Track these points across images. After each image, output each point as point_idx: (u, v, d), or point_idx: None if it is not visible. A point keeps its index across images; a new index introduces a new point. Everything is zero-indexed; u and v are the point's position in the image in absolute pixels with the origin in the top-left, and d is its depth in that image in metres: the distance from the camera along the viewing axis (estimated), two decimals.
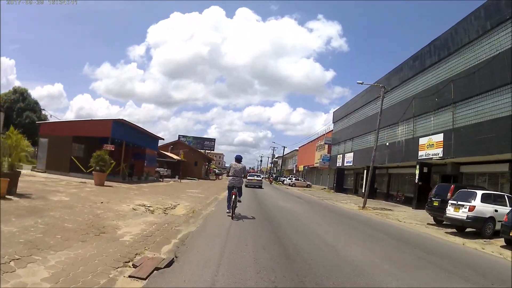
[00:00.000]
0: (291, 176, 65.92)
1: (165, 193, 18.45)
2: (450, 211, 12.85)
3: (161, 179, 31.21)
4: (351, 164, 38.57)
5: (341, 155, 42.36)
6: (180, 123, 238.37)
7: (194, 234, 7.91)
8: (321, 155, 53.21)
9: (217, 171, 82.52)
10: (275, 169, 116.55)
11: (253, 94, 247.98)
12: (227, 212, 11.26)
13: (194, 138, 77.77)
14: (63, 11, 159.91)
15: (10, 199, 9.34)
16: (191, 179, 42.39)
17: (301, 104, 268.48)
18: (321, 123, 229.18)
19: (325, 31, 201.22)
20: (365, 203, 21.70)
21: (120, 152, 25.22)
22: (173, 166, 45.79)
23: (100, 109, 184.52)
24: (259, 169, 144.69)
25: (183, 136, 76.04)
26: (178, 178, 38.27)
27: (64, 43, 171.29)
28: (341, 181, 44.44)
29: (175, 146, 47.64)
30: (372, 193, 33.76)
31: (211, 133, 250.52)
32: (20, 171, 10.85)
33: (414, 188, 25.86)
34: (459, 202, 12.63)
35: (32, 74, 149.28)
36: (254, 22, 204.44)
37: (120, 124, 24.70)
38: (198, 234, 7.94)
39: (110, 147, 22.29)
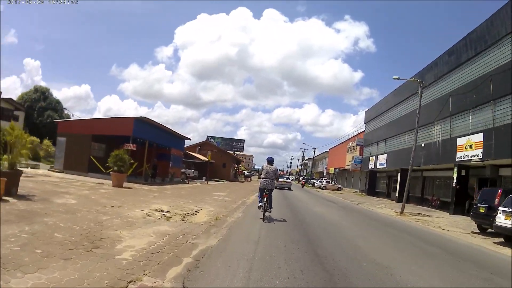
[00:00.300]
0: (322, 179, 64.49)
1: (189, 196, 17.21)
2: (501, 219, 11.21)
3: (187, 181, 30.88)
4: (384, 166, 37.15)
5: (374, 157, 40.94)
6: (209, 124, 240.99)
7: (213, 250, 6.46)
8: (352, 157, 51.78)
9: (246, 172, 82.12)
10: (305, 171, 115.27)
11: (282, 95, 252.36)
12: (259, 207, 11.52)
13: (223, 139, 77.65)
14: (89, 11, 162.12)
15: (6, 200, 8.54)
16: (219, 181, 42.04)
17: (330, 106, 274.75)
18: (349, 124, 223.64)
19: (353, 32, 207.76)
20: (403, 208, 20.47)
21: (142, 152, 25.05)
22: (200, 168, 45.64)
23: (128, 110, 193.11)
24: (288, 171, 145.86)
25: (212, 137, 75.98)
26: (206, 180, 37.98)
27: (91, 44, 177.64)
28: (373, 184, 42.99)
29: (202, 147, 47.47)
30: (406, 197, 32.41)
31: (240, 134, 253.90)
32: (21, 170, 10.25)
33: (451, 192, 24.41)
34: None
35: (58, 75, 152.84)
36: (282, 23, 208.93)
37: (142, 123, 24.23)
38: (218, 251, 6.42)
39: (131, 146, 21.96)
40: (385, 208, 23.76)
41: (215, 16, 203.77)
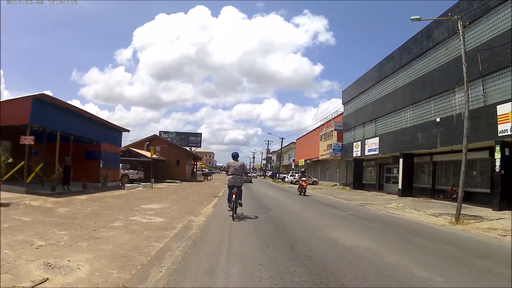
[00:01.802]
0: (293, 172, 58.09)
1: (72, 226, 8.20)
2: None
3: (123, 186, 22.99)
4: (376, 152, 30.82)
5: (359, 143, 34.64)
6: (170, 124, 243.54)
7: None
8: (329, 145, 45.46)
9: (206, 170, 74.48)
10: (269, 165, 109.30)
11: (242, 91, 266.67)
12: (229, 210, 11.37)
13: (178, 133, 69.69)
14: (49, 18, 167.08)
15: None
16: (171, 182, 34.47)
17: (290, 100, 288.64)
18: (311, 117, 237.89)
19: (312, 26, 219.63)
20: (459, 211, 12.84)
21: (52, 149, 17.20)
22: (149, 167, 37.95)
23: None
24: (251, 166, 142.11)
25: (165, 132, 67.88)
26: (151, 182, 30.57)
27: (51, 50, 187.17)
28: (359, 175, 36.71)
29: (152, 142, 39.41)
30: (408, 189, 26.30)
31: (201, 132, 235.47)
32: None
33: (491, 181, 18.23)
34: None
35: (21, 83, 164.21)
36: (240, 20, 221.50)
37: (46, 105, 16.49)
38: None
39: (28, 139, 14.56)
40: (409, 210, 17.00)
41: (174, 15, 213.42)
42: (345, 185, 42.12)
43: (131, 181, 29.47)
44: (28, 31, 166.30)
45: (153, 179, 31.41)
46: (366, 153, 32.85)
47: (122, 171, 29.50)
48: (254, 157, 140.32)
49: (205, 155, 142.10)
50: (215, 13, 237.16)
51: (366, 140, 33.04)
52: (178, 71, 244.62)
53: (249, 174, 53.29)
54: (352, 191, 32.56)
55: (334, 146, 40.81)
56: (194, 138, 69.20)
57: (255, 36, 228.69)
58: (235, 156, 11.80)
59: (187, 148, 58.49)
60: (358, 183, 35.97)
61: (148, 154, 36.68)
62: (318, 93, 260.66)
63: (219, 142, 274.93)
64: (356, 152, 35.22)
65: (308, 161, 60.58)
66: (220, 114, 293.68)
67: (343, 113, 41.98)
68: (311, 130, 63.20)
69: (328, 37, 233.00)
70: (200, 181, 45.87)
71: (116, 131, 25.34)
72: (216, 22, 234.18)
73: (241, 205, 11.48)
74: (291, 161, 79.43)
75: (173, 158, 40.61)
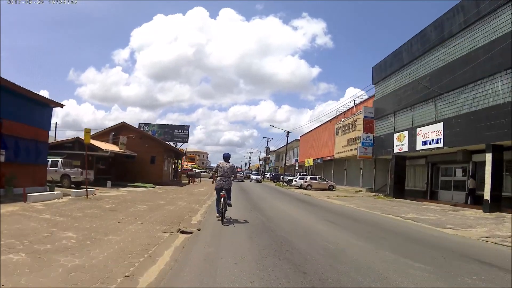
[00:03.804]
0: (303, 174, 48.94)
1: None
2: None
3: (24, 199, 13.62)
4: (439, 145, 21.72)
5: (405, 133, 25.64)
6: None
7: None
8: (350, 140, 36.45)
9: (197, 170, 64.99)
10: (266, 166, 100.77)
11: (239, 93, 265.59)
12: (217, 216, 10.82)
13: (160, 126, 59.58)
14: (46, 18, 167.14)
15: None
16: (138, 186, 25.40)
17: (287, 102, 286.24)
18: (306, 119, 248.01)
19: (310, 29, 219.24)
20: None
21: None
22: (113, 164, 28.97)
23: (86, 114, 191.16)
24: (247, 167, 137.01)
25: (145, 124, 57.98)
26: (112, 185, 21.93)
27: (48, 50, 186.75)
28: (402, 179, 27.62)
29: (119, 132, 30.12)
30: (495, 200, 17.64)
31: (196, 134, 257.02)
32: None
33: None
34: None
35: (18, 82, 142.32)
36: (239, 22, 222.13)
37: None
38: None
39: None
40: None
41: (172, 16, 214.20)
42: (373, 190, 33.23)
43: (76, 184, 20.62)
44: (24, 30, 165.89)
45: (110, 182, 22.73)
46: (419, 147, 23.76)
47: (62, 170, 20.62)
48: (250, 157, 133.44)
49: (198, 155, 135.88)
50: (213, 15, 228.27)
51: (418, 129, 23.95)
52: (175, 72, 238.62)
53: (240, 174, 62.85)
54: (394, 201, 23.54)
55: (364, 140, 31.56)
56: (180, 131, 58.45)
57: (253, 38, 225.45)
58: (226, 157, 11.22)
59: (171, 144, 49.10)
60: (399, 190, 26.92)
61: (114, 147, 27.84)
62: (315, 95, 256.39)
63: (215, 143, 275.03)
64: (399, 146, 26.16)
65: (319, 160, 51.51)
66: (216, 115, 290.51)
67: (373, 96, 33.00)
68: (324, 122, 54.36)
69: (326, 40, 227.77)
70: (184, 184, 36.43)
71: (39, 105, 16.05)
72: (214, 23, 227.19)
73: (230, 205, 10.87)
74: (294, 161, 70.27)
75: (146, 154, 31.25)
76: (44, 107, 16.50)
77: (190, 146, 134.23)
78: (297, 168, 65.71)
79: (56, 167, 20.96)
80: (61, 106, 17.49)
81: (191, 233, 8.17)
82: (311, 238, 8.32)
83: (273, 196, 24.51)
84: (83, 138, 16.45)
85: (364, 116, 32.00)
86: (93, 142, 25.96)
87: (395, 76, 28.47)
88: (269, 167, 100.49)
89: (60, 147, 24.61)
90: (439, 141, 21.63)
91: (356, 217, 13.95)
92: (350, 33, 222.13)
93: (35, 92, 15.55)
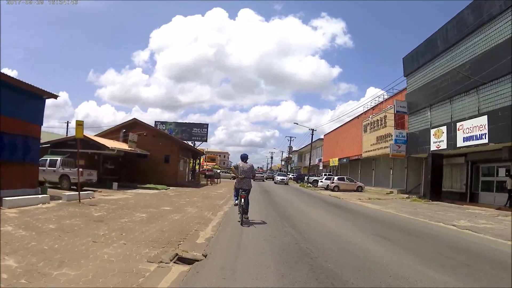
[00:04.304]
0: (329, 174, 46.57)
1: None
2: None
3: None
4: (483, 140, 19.19)
5: (443, 128, 23.17)
6: None
7: None
8: (380, 137, 34.11)
9: (218, 171, 63.19)
10: (288, 166, 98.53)
11: (259, 94, 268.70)
12: (235, 204, 11.38)
13: (178, 124, 57.97)
14: (65, 17, 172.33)
15: None
16: (149, 188, 23.66)
17: (308, 102, 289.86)
18: (327, 119, 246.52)
19: (330, 29, 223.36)
20: None
21: None
22: (123, 163, 27.56)
23: (106, 115, 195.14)
24: (269, 168, 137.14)
25: (161, 123, 56.51)
26: (119, 187, 20.48)
27: (67, 51, 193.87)
28: (439, 179, 25.11)
29: (130, 130, 28.42)
30: None
31: (218, 134, 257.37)
32: None
33: None
34: None
35: (36, 84, 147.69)
36: (258, 22, 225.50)
37: None
38: None
39: None
40: None
41: (191, 17, 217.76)
42: (405, 192, 30.84)
43: (80, 185, 19.15)
44: (44, 30, 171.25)
45: (116, 183, 21.15)
46: (460, 143, 21.31)
47: (60, 170, 19.08)
48: (272, 158, 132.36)
49: (220, 155, 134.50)
50: (233, 16, 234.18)
51: (458, 124, 21.50)
52: (196, 73, 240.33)
53: (261, 175, 64.13)
54: (433, 205, 21.12)
55: (396, 136, 29.08)
56: (199, 130, 56.55)
57: (272, 38, 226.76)
58: (244, 158, 11.45)
59: (188, 143, 47.50)
60: (435, 191, 24.46)
61: (125, 146, 26.35)
62: (336, 96, 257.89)
63: (236, 144, 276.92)
64: (437, 143, 23.66)
65: (345, 160, 49.09)
66: (238, 116, 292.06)
67: (405, 89, 30.56)
68: (350, 120, 52.01)
69: (345, 39, 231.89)
70: (202, 185, 34.65)
71: (28, 96, 14.34)
72: (234, 24, 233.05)
73: (247, 217, 10.81)
74: (317, 161, 67.77)
75: (161, 153, 29.68)
76: (35, 99, 14.76)
77: (211, 147, 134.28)
78: (321, 168, 63.44)
79: (55, 167, 19.40)
80: (55, 97, 15.63)
81: (193, 262, 5.87)
82: (371, 270, 5.78)
83: (300, 200, 22.24)
84: (88, 136, 15.02)
85: (396, 111, 29.44)
86: (99, 139, 24.51)
87: (429, 66, 25.97)
88: (291, 167, 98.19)
89: (63, 144, 23.08)
90: (484, 137, 19.11)
91: (406, 228, 11.58)
92: (370, 32, 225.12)
93: (24, 81, 13.83)
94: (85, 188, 18.67)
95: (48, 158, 19.67)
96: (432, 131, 24.36)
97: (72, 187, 18.69)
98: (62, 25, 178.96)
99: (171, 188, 25.78)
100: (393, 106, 30.94)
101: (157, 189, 23.53)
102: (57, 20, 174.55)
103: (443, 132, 23.06)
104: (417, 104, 27.45)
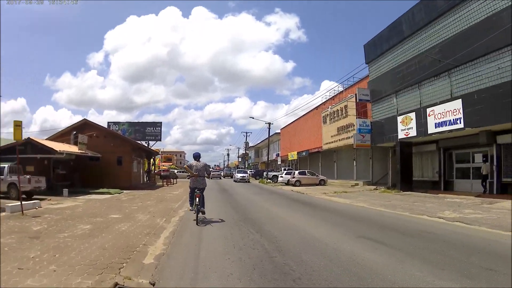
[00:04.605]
0: (288, 169, 45.67)
1: None
2: None
3: None
4: (459, 125, 18.58)
5: (412, 115, 22.50)
6: None
7: None
8: (341, 128, 33.41)
9: (175, 171, 60.95)
10: (245, 163, 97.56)
11: (214, 91, 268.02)
12: (190, 209, 11.65)
13: (131, 123, 55.43)
14: (21, 24, 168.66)
15: None
16: (101, 193, 21.52)
17: (262, 98, 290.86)
18: (283, 113, 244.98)
19: (283, 24, 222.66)
20: None
21: None
22: (73, 168, 25.35)
23: (63, 119, 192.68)
24: (225, 165, 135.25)
25: (114, 123, 53.85)
26: (71, 193, 18.63)
27: (23, 56, 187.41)
28: (409, 168, 24.52)
29: (81, 131, 25.94)
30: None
31: (173, 134, 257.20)
32: None
33: None
34: None
35: None
36: (211, 20, 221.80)
37: None
38: None
39: None
40: None
41: (144, 17, 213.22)
42: (371, 183, 30.35)
43: (27, 194, 17.10)
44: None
45: (66, 190, 19.07)
46: (432, 130, 20.68)
47: (8, 178, 17.24)
48: (228, 155, 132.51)
49: (176, 155, 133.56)
50: (186, 14, 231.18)
51: (429, 109, 20.87)
52: (150, 73, 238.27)
53: (217, 173, 64.82)
54: (407, 196, 20.53)
55: (360, 126, 28.40)
56: (152, 129, 54.24)
57: (226, 36, 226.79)
58: (196, 156, 11.62)
59: (142, 143, 45.11)
60: (406, 181, 23.93)
61: (76, 149, 24.18)
62: (290, 90, 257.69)
63: (192, 143, 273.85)
64: (405, 131, 23.06)
65: (304, 153, 48.34)
66: (192, 115, 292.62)
67: (367, 76, 29.95)
68: (302, 114, 51.49)
69: (299, 34, 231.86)
70: (158, 186, 32.59)
71: None
72: (187, 22, 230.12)
73: (203, 213, 10.88)
74: (275, 155, 66.92)
75: (113, 155, 27.44)
76: None
77: (167, 147, 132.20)
78: (279, 163, 62.73)
79: (2, 175, 17.18)
80: None
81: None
82: None
83: (263, 198, 20.94)
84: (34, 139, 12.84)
85: (359, 99, 28.76)
86: (47, 142, 22.29)
87: (394, 51, 25.33)
88: (249, 164, 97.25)
89: (11, 151, 20.70)
90: (459, 121, 18.51)
91: (391, 225, 10.50)
92: (324, 26, 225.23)
93: None
94: (35, 197, 16.64)
95: (4, 166, 17.44)
96: (399, 119, 23.74)
97: (23, 196, 16.59)
98: (16, 31, 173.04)
99: (124, 191, 23.75)
100: (354, 95, 30.39)
101: (109, 193, 21.51)
102: (11, 26, 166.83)
103: (412, 119, 22.45)
104: (381, 91, 26.83)
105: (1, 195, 15.61)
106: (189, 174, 11.34)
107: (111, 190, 22.28)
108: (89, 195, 20.03)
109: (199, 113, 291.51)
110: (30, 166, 19.99)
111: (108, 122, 54.76)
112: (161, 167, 59.41)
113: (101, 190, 22.37)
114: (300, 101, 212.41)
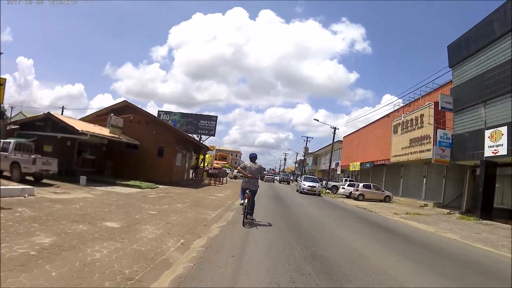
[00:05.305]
0: (349, 180, 42.45)
1: None
2: None
3: None
4: None
5: (503, 129, 18.66)
6: None
7: None
8: (414, 139, 30.05)
9: (228, 170, 59.33)
10: (302, 169, 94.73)
11: (275, 95, 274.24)
12: (241, 203, 10.99)
13: (183, 115, 54.09)
14: (84, 10, 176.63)
15: None
16: (131, 186, 19.58)
17: (323, 106, 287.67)
18: (342, 123, 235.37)
19: (349, 34, 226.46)
20: None
21: None
22: (105, 154, 24.46)
23: None
24: (281, 169, 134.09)
25: (165, 113, 52.99)
26: (90, 182, 17.38)
27: (85, 43, 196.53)
28: (491, 193, 20.73)
29: (119, 113, 24.53)
30: None
31: (232, 134, 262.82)
32: None
33: None
34: None
35: (52, 74, 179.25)
36: (278, 24, 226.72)
37: None
38: None
39: None
40: None
41: (211, 15, 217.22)
42: (441, 205, 26.93)
43: (35, 177, 15.89)
44: (62, 21, 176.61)
45: (84, 178, 17.55)
46: None
47: (12, 156, 15.66)
48: (285, 159, 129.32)
49: (231, 154, 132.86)
50: (253, 16, 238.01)
51: None
52: (213, 71, 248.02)
53: (271, 176, 65.92)
54: (493, 227, 16.96)
55: (441, 138, 25.01)
56: (206, 122, 52.33)
57: (291, 41, 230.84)
58: (253, 158, 11.40)
59: (194, 136, 43.84)
60: (486, 208, 20.38)
61: (107, 132, 22.93)
62: (351, 101, 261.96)
63: (250, 144, 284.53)
64: (493, 148, 19.42)
65: (368, 164, 44.98)
66: (253, 117, 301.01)
67: (451, 81, 26.35)
68: (369, 122, 48.16)
69: (364, 46, 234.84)
70: (204, 185, 30.91)
71: None
72: (254, 24, 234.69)
73: (252, 217, 10.89)
74: (334, 164, 63.29)
75: (154, 144, 25.82)
76: None
77: (224, 145, 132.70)
78: (338, 172, 59.28)
79: (7, 152, 15.68)
80: None
81: None
82: None
83: (325, 213, 17.72)
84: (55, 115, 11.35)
85: (441, 107, 24.85)
86: (69, 120, 21.01)
87: (483, 53, 21.60)
88: (305, 170, 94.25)
89: (30, 126, 19.61)
90: None
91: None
92: (389, 39, 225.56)
93: None
94: (44, 181, 15.31)
95: (2, 141, 16.17)
96: (487, 133, 20.11)
97: (27, 177, 15.25)
98: (81, 18, 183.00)
99: (160, 187, 21.91)
100: (432, 103, 27.03)
101: (140, 187, 19.52)
102: (75, 12, 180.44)
103: (503, 134, 18.88)
104: (465, 99, 23.07)
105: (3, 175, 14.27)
106: (242, 175, 11.22)
107: (143, 184, 20.37)
108: (112, 187, 18.19)
109: (260, 115, 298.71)
110: (48, 146, 18.75)
111: (158, 111, 53.94)
112: (213, 165, 57.94)
113: (131, 182, 20.43)
114: (360, 113, 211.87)
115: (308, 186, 32.82)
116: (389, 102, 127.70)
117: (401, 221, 17.30)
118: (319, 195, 32.73)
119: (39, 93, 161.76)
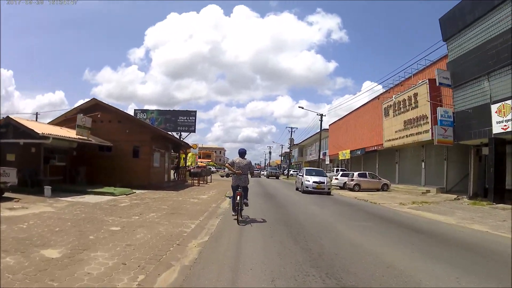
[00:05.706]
0: (341, 170, 41.03)
1: None
2: None
3: None
4: None
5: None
6: None
7: None
8: (409, 121, 28.66)
9: (213, 168, 57.74)
10: (288, 162, 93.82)
11: (255, 89, 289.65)
12: (233, 215, 10.88)
13: (161, 112, 52.41)
14: (60, 17, 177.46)
15: None
16: (103, 194, 17.36)
17: (304, 97, 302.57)
18: (327, 110, 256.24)
19: (325, 24, 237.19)
20: None
21: None
22: (76, 160, 22.12)
23: None
24: (266, 163, 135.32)
25: (142, 111, 51.35)
26: (57, 192, 15.37)
27: (63, 50, 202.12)
28: (502, 175, 19.42)
29: (88, 113, 22.35)
30: None
31: (214, 131, 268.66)
32: None
33: None
34: None
35: (32, 83, 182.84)
36: (253, 19, 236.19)
37: None
38: None
39: None
40: None
41: (185, 14, 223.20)
42: (445, 190, 25.58)
43: None
44: (38, 30, 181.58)
45: (49, 188, 15.49)
46: None
47: None
48: (270, 153, 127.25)
49: (215, 151, 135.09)
50: (228, 12, 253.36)
51: None
52: (191, 69, 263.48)
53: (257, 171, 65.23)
54: (509, 211, 15.59)
55: (442, 117, 23.53)
56: (186, 118, 50.78)
57: (268, 34, 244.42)
58: (242, 153, 11.45)
59: (173, 134, 41.73)
60: (499, 190, 18.99)
61: (74, 134, 20.81)
62: (332, 90, 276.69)
63: (233, 140, 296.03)
64: (503, 124, 17.98)
65: (359, 152, 43.56)
66: (234, 112, 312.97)
67: (446, 55, 24.88)
68: (357, 107, 46.85)
69: (341, 35, 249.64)
70: (187, 186, 28.79)
71: None
72: (229, 21, 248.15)
73: (247, 205, 11.11)
74: (322, 154, 61.64)
75: (128, 144, 23.58)
76: None
77: (208, 143, 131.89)
78: (327, 162, 58.18)
79: None
80: None
81: None
82: None
83: (324, 209, 15.85)
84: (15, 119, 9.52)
85: (439, 83, 23.32)
86: (29, 123, 18.82)
87: (483, 22, 20.17)
88: (291, 163, 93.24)
89: None
90: None
91: None
92: (365, 27, 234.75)
93: None
94: (6, 195, 13.32)
95: None
96: (494, 107, 18.63)
97: None
98: (57, 25, 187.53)
99: (137, 192, 19.85)
100: (426, 81, 25.79)
101: (113, 194, 17.34)
102: (52, 20, 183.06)
103: None
104: (465, 73, 21.55)
105: None
106: (231, 172, 11.25)
107: (117, 190, 18.18)
108: (82, 196, 16.06)
109: (241, 110, 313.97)
110: (11, 155, 16.67)
111: (134, 110, 52.76)
112: (198, 163, 55.92)
113: (104, 189, 18.22)
114: (341, 102, 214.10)
115: (314, 182, 25.16)
116: (369, 88, 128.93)
117: (413, 212, 15.71)
118: (328, 193, 25.41)
119: (21, 104, 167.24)
